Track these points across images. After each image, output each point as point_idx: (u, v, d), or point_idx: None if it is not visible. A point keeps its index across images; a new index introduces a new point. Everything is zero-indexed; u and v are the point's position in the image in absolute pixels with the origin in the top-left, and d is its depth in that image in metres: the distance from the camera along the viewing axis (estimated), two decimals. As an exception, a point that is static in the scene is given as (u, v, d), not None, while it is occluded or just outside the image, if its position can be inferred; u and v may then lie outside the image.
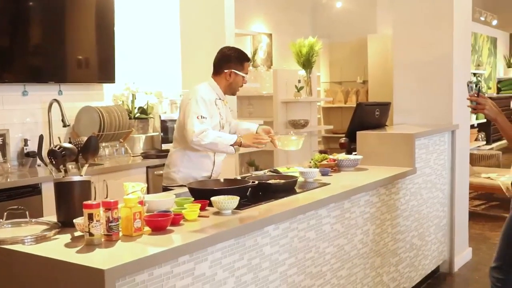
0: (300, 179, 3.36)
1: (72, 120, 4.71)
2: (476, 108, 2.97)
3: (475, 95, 2.98)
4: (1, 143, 4.26)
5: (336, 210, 3.12)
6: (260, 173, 3.52)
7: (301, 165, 3.80)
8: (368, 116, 4.22)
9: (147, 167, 4.58)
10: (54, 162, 2.35)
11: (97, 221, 2.10)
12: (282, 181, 3.12)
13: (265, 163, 7.28)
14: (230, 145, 3.35)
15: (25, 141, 4.39)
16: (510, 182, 3.07)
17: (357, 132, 4.03)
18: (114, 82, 4.97)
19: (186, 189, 2.95)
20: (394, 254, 3.80)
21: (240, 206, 2.66)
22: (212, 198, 2.62)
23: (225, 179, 3.12)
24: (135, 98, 5.08)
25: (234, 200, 2.60)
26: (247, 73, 3.57)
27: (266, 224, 2.58)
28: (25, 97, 4.42)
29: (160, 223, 2.27)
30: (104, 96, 5.00)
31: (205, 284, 2.28)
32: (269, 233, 2.62)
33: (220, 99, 3.54)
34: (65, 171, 2.39)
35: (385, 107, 4.43)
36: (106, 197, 4.28)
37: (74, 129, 4.73)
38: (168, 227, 2.32)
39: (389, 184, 3.70)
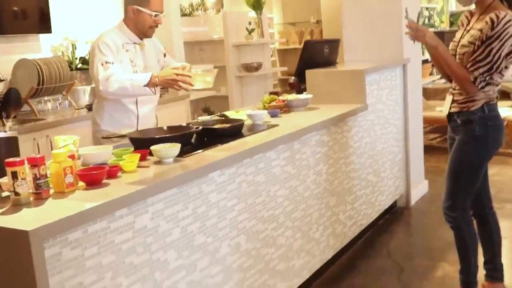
0: (249, 122, 3.24)
1: (8, 75, 4.45)
2: (416, 36, 2.85)
3: (415, 22, 2.86)
4: None
5: (286, 152, 3.02)
6: (207, 118, 3.38)
7: (251, 108, 3.68)
8: (317, 54, 4.09)
9: (93, 120, 4.37)
10: (-27, 118, 2.15)
11: (22, 179, 1.93)
12: (228, 125, 2.99)
13: (221, 108, 7.14)
14: (144, 86, 3.00)
15: (-41, 99, 4.13)
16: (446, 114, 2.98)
17: (306, 71, 3.91)
18: (50, 32, 4.70)
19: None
20: (350, 192, 3.75)
21: (183, 154, 2.53)
22: (152, 147, 2.48)
23: (168, 127, 2.97)
24: (76, 48, 4.83)
25: (175, 147, 2.46)
26: (158, 11, 3.14)
27: (210, 171, 2.45)
28: (-46, 52, 4.13)
29: (94, 176, 2.13)
30: (41, 48, 4.74)
31: (148, 237, 2.16)
32: (215, 179, 2.51)
33: (133, 43, 3.20)
34: (-13, 127, 2.20)
35: (334, 44, 4.29)
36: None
37: (12, 84, 4.47)
38: (105, 181, 2.18)
39: (341, 122, 3.61)
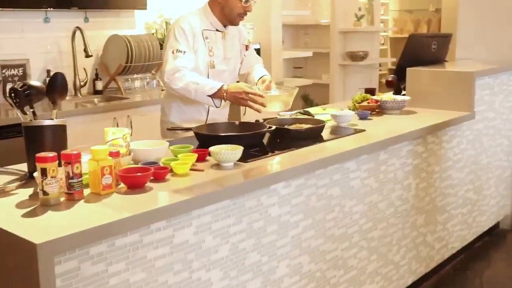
0: (333, 123, 2.89)
1: (100, 50, 4.37)
2: None
3: None
4: (21, 74, 3.97)
5: (369, 162, 2.66)
6: (288, 113, 3.07)
7: (340, 108, 3.33)
8: (422, 50, 3.63)
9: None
10: (17, 103, 1.98)
11: (52, 177, 1.73)
12: (305, 126, 2.67)
13: (321, 97, 6.80)
14: (209, 95, 2.73)
15: (48, 72, 4.09)
16: None
17: (407, 69, 3.47)
18: (145, 9, 4.55)
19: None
20: (442, 211, 3.31)
21: (248, 157, 2.25)
22: (211, 149, 2.21)
23: (240, 123, 2.71)
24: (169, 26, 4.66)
25: (236, 151, 2.18)
26: None
27: (273, 182, 2.15)
28: (46, 24, 4.08)
29: (136, 179, 1.89)
30: (135, 24, 4.61)
31: (189, 253, 1.90)
32: (278, 191, 2.20)
33: (215, 30, 2.91)
34: (33, 113, 2.03)
35: (444, 39, 3.80)
36: (131, 135, 3.97)
37: (102, 60, 4.39)
38: (150, 183, 1.94)
39: (440, 131, 3.17)
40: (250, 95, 2.67)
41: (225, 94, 2.71)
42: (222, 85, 2.72)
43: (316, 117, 3.00)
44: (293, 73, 7.10)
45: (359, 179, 2.61)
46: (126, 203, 1.77)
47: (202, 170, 2.13)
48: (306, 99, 6.88)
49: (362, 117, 3.07)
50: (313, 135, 2.64)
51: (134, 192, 1.87)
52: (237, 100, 2.71)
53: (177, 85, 2.73)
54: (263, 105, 2.69)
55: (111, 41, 4.36)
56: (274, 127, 2.57)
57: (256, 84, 2.89)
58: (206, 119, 2.96)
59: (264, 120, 2.82)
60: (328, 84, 6.69)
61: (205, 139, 2.50)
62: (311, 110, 3.27)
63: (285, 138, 2.60)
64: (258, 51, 5.34)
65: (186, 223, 1.88)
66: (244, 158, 2.23)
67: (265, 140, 2.57)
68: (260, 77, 2.93)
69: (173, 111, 2.95)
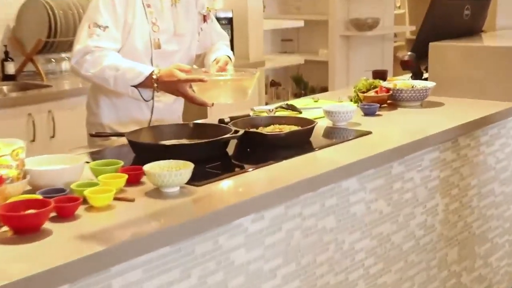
0: (327, 122, 2.65)
1: (11, 20, 4.21)
2: None
3: None
4: None
5: (377, 179, 2.43)
6: (266, 108, 2.81)
7: (338, 99, 3.10)
8: (450, 19, 3.41)
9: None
10: None
11: None
12: (286, 128, 2.42)
13: (318, 78, 6.54)
14: (133, 85, 2.48)
15: None
16: None
17: (430, 44, 3.24)
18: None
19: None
20: (483, 240, 3.11)
21: (204, 177, 2.01)
22: (146, 167, 1.93)
23: (196, 125, 2.48)
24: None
25: (183, 170, 1.91)
26: None
27: (237, 214, 1.90)
28: None
29: (22, 220, 1.61)
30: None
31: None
32: (244, 228, 1.94)
33: None
34: None
35: (480, 2, 3.57)
36: (53, 136, 3.72)
37: (15, 34, 4.17)
38: (51, 224, 1.66)
39: (478, 130, 2.93)
40: (187, 80, 2.43)
41: (156, 83, 2.45)
42: (152, 71, 2.46)
43: (304, 113, 2.76)
44: (281, 48, 6.82)
45: (363, 203, 2.38)
46: (4, 261, 1.49)
47: (133, 200, 1.85)
48: (298, 81, 6.62)
49: (368, 113, 2.83)
50: (298, 142, 2.41)
51: (23, 240, 1.58)
52: (172, 91, 2.47)
53: (88, 72, 2.49)
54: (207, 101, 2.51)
55: (26, 7, 4.18)
56: (242, 131, 2.31)
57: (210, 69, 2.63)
58: (150, 119, 2.68)
59: (231, 119, 2.55)
60: (327, 62, 6.44)
61: (143, 150, 2.24)
62: (298, 102, 3.04)
63: (258, 146, 2.37)
64: (230, 21, 5.07)
65: (101, 285, 1.60)
66: (197, 179, 1.97)
67: (230, 150, 2.33)
68: (216, 58, 2.66)
69: (103, 108, 2.67)
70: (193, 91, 2.47)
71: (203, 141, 2.24)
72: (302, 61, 6.34)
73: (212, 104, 2.51)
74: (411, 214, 2.61)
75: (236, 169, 2.20)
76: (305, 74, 6.60)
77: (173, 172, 1.90)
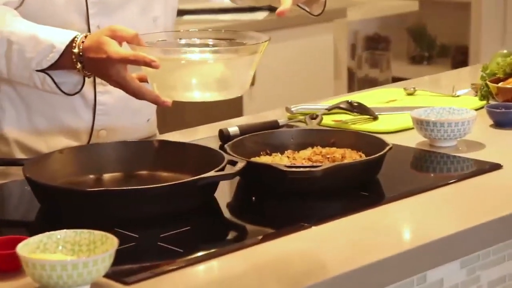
0: (418, 139, 1.51)
1: None
2: None
3: None
4: None
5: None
6: (313, 108, 1.69)
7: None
8: None
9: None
10: None
11: None
12: (327, 159, 1.32)
13: (452, 33, 4.97)
14: (41, 69, 1.40)
15: None
16: None
17: None
18: None
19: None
20: None
21: (149, 259, 1.10)
22: (19, 248, 0.92)
23: (164, 143, 1.45)
24: None
25: (94, 259, 0.90)
26: None
27: None
28: None
29: None
30: None
31: None
32: None
33: None
34: None
35: None
36: None
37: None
38: None
39: None
40: (131, 57, 1.32)
41: (79, 62, 1.34)
42: (74, 38, 1.35)
43: (381, 119, 1.64)
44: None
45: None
46: None
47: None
48: (419, 36, 5.02)
49: (504, 122, 1.64)
50: (351, 184, 1.28)
51: None
52: (103, 76, 1.37)
53: None
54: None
55: None
56: (241, 164, 1.22)
57: None
58: (92, 128, 1.59)
59: (241, 131, 1.49)
60: (469, 4, 4.55)
61: (49, 196, 1.20)
62: (377, 95, 1.90)
63: (274, 190, 1.30)
64: None
65: None
66: (129, 272, 1.01)
67: (225, 193, 1.33)
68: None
69: (4, 108, 1.59)
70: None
71: (155, 186, 1.18)
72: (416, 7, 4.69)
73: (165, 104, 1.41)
74: None
75: (220, 244, 1.14)
76: (430, 25, 5.13)
77: (70, 261, 0.87)
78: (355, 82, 3.86)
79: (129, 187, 1.18)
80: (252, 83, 3.03)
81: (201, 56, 1.38)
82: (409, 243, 1.13)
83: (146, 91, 1.34)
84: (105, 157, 1.36)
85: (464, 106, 1.70)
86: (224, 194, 1.30)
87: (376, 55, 4.07)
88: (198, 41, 1.44)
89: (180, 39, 1.46)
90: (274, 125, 1.56)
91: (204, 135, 1.63)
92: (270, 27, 3.11)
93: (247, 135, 1.43)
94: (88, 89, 1.51)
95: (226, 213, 1.27)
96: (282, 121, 1.59)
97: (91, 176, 1.32)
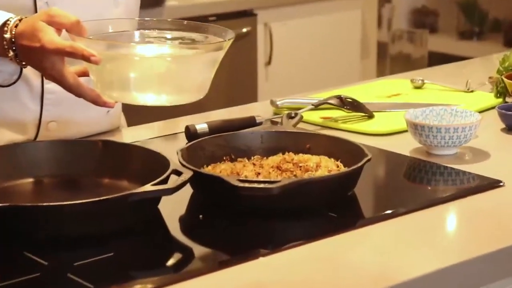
0: (412, 145, 1.32)
1: None
2: None
3: None
4: None
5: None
6: (300, 102, 1.51)
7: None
8: None
9: None
10: None
11: None
12: (300, 169, 1.16)
13: (507, 6, 4.67)
14: None
15: None
16: None
17: None
18: None
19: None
20: None
21: None
22: None
23: (108, 144, 1.27)
24: None
25: None
26: None
27: None
28: None
29: None
30: None
31: None
32: None
33: None
34: None
35: None
36: None
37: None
38: None
39: None
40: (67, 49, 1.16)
41: (11, 49, 1.20)
42: (7, 20, 1.19)
43: (378, 118, 1.48)
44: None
45: None
46: None
47: None
48: (469, 10, 4.73)
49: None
50: (320, 201, 1.12)
51: None
52: (36, 66, 1.21)
53: None
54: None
55: None
56: (187, 176, 1.05)
57: None
58: (40, 121, 1.43)
59: (210, 128, 1.33)
60: None
61: None
62: (380, 88, 1.71)
63: (229, 208, 1.13)
64: None
65: None
66: None
67: (176, 206, 1.15)
68: None
69: None
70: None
71: (74, 202, 1.00)
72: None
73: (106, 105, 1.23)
74: None
75: (147, 275, 0.96)
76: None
77: None
78: (387, 60, 3.62)
79: (42, 203, 1.00)
80: (269, 62, 2.88)
81: (153, 52, 1.21)
82: (373, 285, 0.95)
83: (86, 89, 1.17)
84: (42, 158, 1.20)
85: (477, 104, 1.50)
86: (174, 207, 1.14)
87: (412, 32, 3.88)
88: (155, 33, 1.27)
89: (138, 29, 1.29)
90: (250, 122, 1.39)
91: (178, 129, 1.46)
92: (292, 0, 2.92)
93: (207, 137, 1.25)
94: (33, 75, 1.35)
95: (167, 234, 1.08)
96: (260, 118, 1.40)
97: (28, 180, 1.17)
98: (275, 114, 1.49)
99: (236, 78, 2.72)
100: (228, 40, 1.16)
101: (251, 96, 2.69)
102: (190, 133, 1.35)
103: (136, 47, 1.21)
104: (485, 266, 1.01)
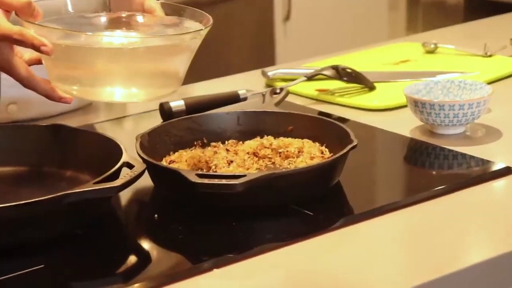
0: (412, 122, 1.18)
1: None
2: None
3: None
4: None
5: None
6: (294, 73, 1.37)
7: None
8: None
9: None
10: None
11: None
12: (248, 174, 0.95)
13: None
14: None
15: None
16: None
17: None
18: None
19: None
20: None
21: None
22: None
23: (56, 128, 1.11)
24: None
25: None
26: None
27: None
28: None
29: None
30: None
31: None
32: None
33: None
34: None
35: None
36: None
37: None
38: None
39: None
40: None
41: None
42: None
43: (380, 88, 1.33)
44: None
45: None
46: None
47: None
48: None
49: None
50: (294, 198, 0.97)
51: None
52: None
53: None
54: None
55: None
56: (139, 169, 0.92)
57: None
58: None
59: (187, 105, 1.20)
60: None
61: None
62: (383, 52, 1.57)
63: (188, 204, 0.99)
64: None
65: None
66: None
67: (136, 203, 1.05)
68: None
69: None
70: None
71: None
72: None
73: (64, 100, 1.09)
74: None
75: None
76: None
77: None
78: (419, 10, 3.35)
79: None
80: (287, 18, 2.68)
81: (117, 42, 1.05)
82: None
83: (38, 82, 1.03)
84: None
85: (496, 70, 1.33)
86: (133, 204, 1.00)
87: None
88: (124, 15, 1.10)
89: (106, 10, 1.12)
90: (234, 98, 1.24)
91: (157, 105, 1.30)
92: None
93: (174, 119, 1.10)
94: None
95: (117, 237, 0.93)
96: (243, 92, 1.24)
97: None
98: (268, 86, 1.34)
99: (250, 36, 2.50)
100: (206, 28, 1.00)
101: (268, 57, 2.50)
102: (164, 111, 1.20)
103: (97, 36, 1.05)
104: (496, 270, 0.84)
